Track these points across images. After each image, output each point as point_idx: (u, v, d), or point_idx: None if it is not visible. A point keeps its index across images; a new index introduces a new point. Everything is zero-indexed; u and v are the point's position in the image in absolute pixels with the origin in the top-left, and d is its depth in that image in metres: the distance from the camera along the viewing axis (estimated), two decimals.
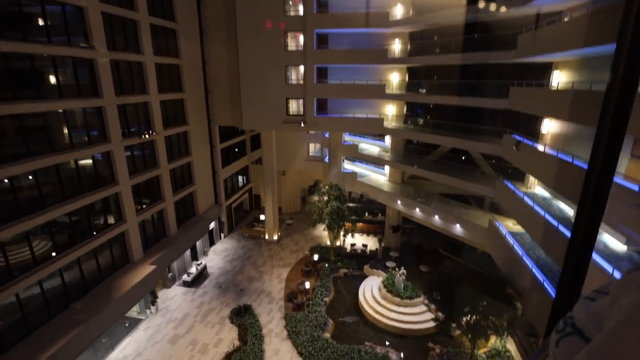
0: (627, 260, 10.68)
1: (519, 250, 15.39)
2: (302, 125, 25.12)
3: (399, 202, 24.01)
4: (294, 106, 25.86)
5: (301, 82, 24.83)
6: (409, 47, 23.15)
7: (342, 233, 26.34)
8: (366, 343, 19.27)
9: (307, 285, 22.70)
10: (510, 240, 16.26)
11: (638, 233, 9.17)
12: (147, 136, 20.59)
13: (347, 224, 25.95)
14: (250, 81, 25.09)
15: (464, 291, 16.80)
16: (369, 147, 28.15)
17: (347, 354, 18.17)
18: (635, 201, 8.61)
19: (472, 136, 19.90)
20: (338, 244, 28.10)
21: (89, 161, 17.58)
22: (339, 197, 25.15)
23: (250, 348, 18.51)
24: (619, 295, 0.79)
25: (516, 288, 15.79)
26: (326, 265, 25.90)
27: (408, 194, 24.25)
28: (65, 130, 16.27)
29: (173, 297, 23.00)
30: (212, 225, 28.91)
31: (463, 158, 22.06)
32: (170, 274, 24.01)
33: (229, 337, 19.65)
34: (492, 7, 17.57)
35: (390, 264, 25.25)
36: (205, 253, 27.94)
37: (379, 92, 23.49)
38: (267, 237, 30.43)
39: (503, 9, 16.97)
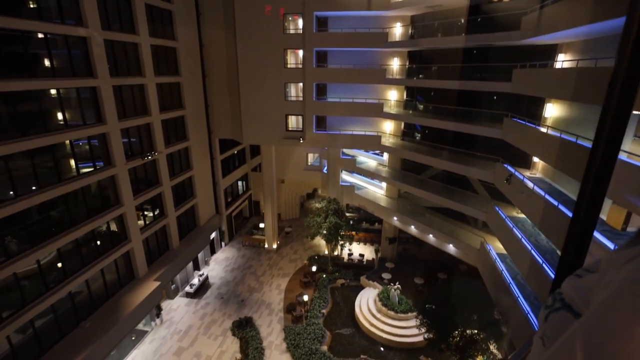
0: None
1: (507, 277, 16.21)
2: (301, 141, 25.66)
3: (395, 218, 24.76)
4: (294, 122, 26.37)
5: (300, 98, 25.27)
6: (410, 31, 23.45)
7: (340, 244, 27.15)
8: (361, 356, 20.25)
9: (306, 298, 23.59)
10: (500, 265, 17.08)
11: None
12: (149, 157, 21.15)
13: (346, 232, 26.61)
14: (250, 96, 25.52)
15: (453, 313, 17.71)
16: (367, 160, 28.73)
17: None
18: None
19: (467, 161, 20.53)
20: (336, 253, 28.95)
21: (95, 186, 18.18)
22: (337, 212, 25.87)
23: None
24: (607, 272, 0.80)
25: (501, 311, 16.68)
26: (324, 275, 26.79)
27: (404, 209, 24.99)
28: (73, 162, 16.86)
29: (177, 308, 23.90)
30: (213, 234, 29.67)
31: (455, 178, 22.74)
32: (174, 285, 24.86)
33: (232, 349, 20.60)
34: None
35: (386, 275, 26.15)
36: (206, 262, 28.78)
37: (377, 111, 24.00)
38: (266, 245, 31.24)
39: None
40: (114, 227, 19.64)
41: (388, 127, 25.69)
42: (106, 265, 18.82)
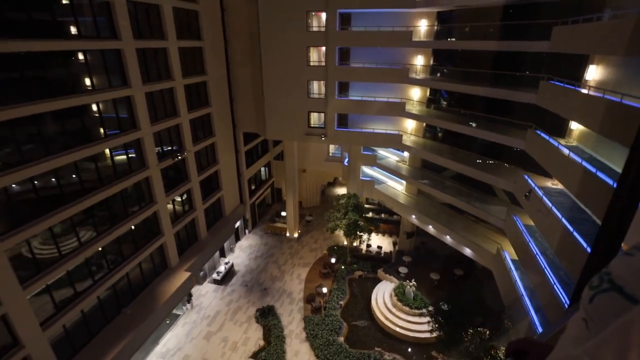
0: None
1: (520, 287, 16.70)
2: (323, 138, 26.13)
3: (413, 216, 25.28)
4: (316, 118, 26.76)
5: (323, 96, 25.49)
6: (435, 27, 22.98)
7: (359, 236, 28.04)
8: (375, 349, 21.61)
9: (325, 290, 24.92)
10: (515, 275, 17.53)
11: None
12: (179, 157, 22.33)
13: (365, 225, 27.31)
14: (273, 93, 25.95)
15: (464, 315, 18.48)
16: (388, 155, 28.95)
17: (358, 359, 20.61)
18: None
19: (488, 166, 20.53)
20: (355, 244, 29.95)
21: (131, 187, 19.60)
22: (357, 207, 26.59)
23: (273, 349, 21.22)
24: None
25: (510, 320, 17.30)
26: (342, 267, 27.99)
27: (423, 207, 25.39)
28: (112, 169, 18.23)
29: (205, 294, 25.87)
30: (237, 223, 31.22)
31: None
32: (202, 272, 26.74)
33: (255, 336, 22.41)
34: None
35: (402, 269, 27.04)
36: (232, 250, 30.54)
37: (400, 110, 23.99)
38: (288, 234, 32.61)
39: None
40: (149, 223, 21.23)
41: (410, 124, 25.65)
42: (143, 258, 20.58)
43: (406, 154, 27.33)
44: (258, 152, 34.53)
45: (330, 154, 34.39)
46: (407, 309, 23.20)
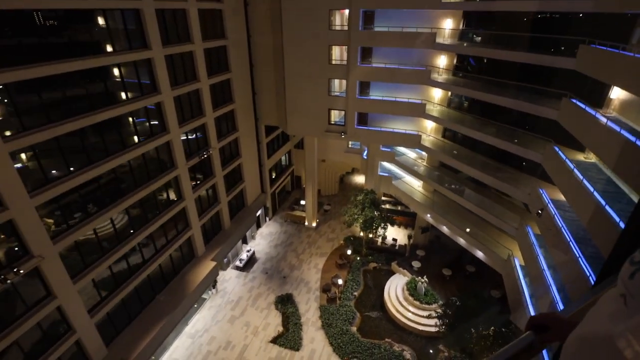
0: None
1: (527, 298, 17.45)
2: (343, 136, 26.66)
3: (428, 215, 25.93)
4: (336, 115, 27.18)
5: (344, 94, 25.77)
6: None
7: (374, 231, 29.05)
8: (386, 339, 23.12)
9: (340, 281, 26.37)
10: (523, 283, 18.24)
11: None
12: (205, 155, 23.52)
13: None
14: (295, 90, 26.40)
15: (470, 315, 19.53)
16: (407, 151, 29.22)
17: (369, 349, 22.20)
18: None
19: (507, 171, 20.72)
20: (370, 235, 31.00)
21: (162, 185, 21.06)
22: (373, 203, 27.40)
23: (291, 335, 23.06)
24: None
25: (516, 322, 18.21)
26: (358, 258, 29.27)
27: (438, 207, 25.94)
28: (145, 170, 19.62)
29: (229, 279, 27.85)
30: (259, 212, 32.73)
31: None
32: (226, 259, 28.62)
33: (275, 322, 24.29)
34: None
35: (415, 264, 28.06)
36: (253, 237, 32.26)
37: (420, 111, 24.09)
38: (306, 223, 33.96)
39: None
40: (178, 217, 22.85)
41: (429, 125, 25.74)
42: (173, 249, 22.39)
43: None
44: (279, 142, 35.37)
45: (350, 146, 34.82)
46: (417, 303, 24.41)
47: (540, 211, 16.20)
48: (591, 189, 12.96)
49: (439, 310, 21.26)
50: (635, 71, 11.66)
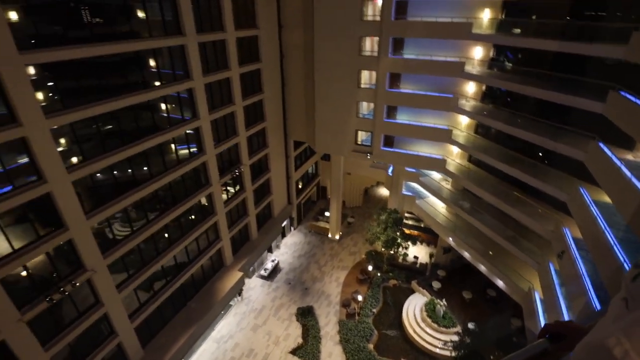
0: None
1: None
2: (369, 157, 27.39)
3: (450, 239, 26.22)
4: (363, 136, 27.93)
5: (371, 116, 26.46)
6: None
7: (396, 250, 29.61)
8: (401, 359, 23.79)
9: (360, 297, 27.21)
10: (542, 319, 18.35)
11: None
12: (237, 172, 25.01)
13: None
14: (324, 110, 27.35)
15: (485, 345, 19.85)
16: (432, 172, 29.45)
17: None
18: None
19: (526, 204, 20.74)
20: (392, 252, 31.55)
21: (198, 202, 22.71)
22: (396, 222, 27.95)
23: (310, 348, 24.19)
24: None
25: None
26: (378, 274, 29.95)
27: (461, 230, 26.10)
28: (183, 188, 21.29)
29: (253, 287, 29.37)
30: (284, 222, 34.06)
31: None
32: (251, 268, 30.16)
33: (295, 333, 25.51)
34: None
35: (436, 284, 28.38)
36: (278, 246, 33.66)
37: (446, 137, 24.40)
38: (329, 235, 34.97)
39: None
40: (210, 230, 24.50)
41: (455, 149, 25.94)
42: (205, 260, 24.08)
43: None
44: (306, 154, 36.50)
45: (375, 161, 35.39)
46: (435, 325, 24.84)
47: (562, 253, 16.31)
48: (611, 237, 13.12)
49: (456, 339, 21.64)
50: None
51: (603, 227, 13.97)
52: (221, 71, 22.11)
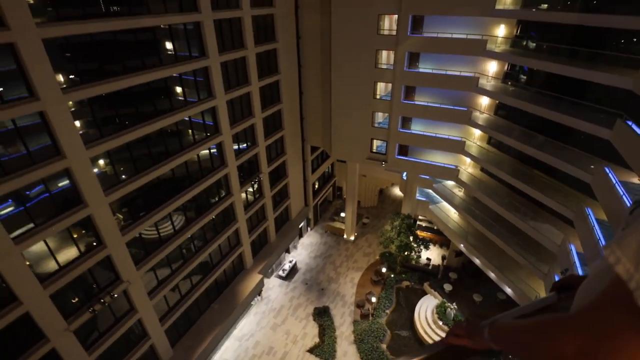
0: None
1: None
2: (383, 165, 28.08)
3: (462, 245, 26.92)
4: (378, 143, 28.56)
5: (386, 126, 27.03)
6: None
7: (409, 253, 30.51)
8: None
9: (374, 299, 28.38)
10: None
11: None
12: (256, 181, 26.18)
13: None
14: (340, 119, 28.06)
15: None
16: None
17: None
18: None
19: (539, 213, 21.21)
20: (405, 253, 32.46)
21: (220, 210, 24.04)
22: (409, 228, 28.77)
23: (326, 347, 25.61)
24: None
25: None
26: (392, 275, 31.00)
27: (472, 236, 26.76)
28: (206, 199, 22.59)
29: (272, 287, 30.89)
30: (301, 223, 35.28)
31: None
32: (270, 269, 31.64)
33: (312, 333, 26.97)
34: None
35: (447, 286, 29.24)
36: (295, 247, 35.00)
37: (459, 148, 24.84)
38: (345, 236, 36.06)
39: None
40: (232, 236, 25.90)
41: (468, 159, 26.35)
42: (227, 264, 25.59)
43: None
44: (322, 156, 37.35)
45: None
46: (445, 327, 25.85)
47: (565, 271, 16.91)
48: None
49: None
50: None
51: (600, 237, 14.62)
52: (241, 87, 23.01)
